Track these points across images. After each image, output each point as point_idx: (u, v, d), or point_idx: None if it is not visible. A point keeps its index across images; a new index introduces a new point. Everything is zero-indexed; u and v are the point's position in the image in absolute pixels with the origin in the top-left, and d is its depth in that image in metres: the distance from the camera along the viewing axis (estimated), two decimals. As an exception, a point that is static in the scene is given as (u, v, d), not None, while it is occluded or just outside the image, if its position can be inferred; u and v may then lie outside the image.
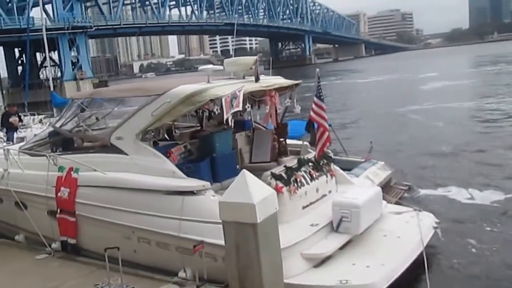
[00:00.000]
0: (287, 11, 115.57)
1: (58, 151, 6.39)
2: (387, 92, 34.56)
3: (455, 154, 12.64)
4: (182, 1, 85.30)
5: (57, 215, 5.91)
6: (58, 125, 6.47)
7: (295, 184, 5.46)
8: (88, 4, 69.74)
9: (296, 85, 6.37)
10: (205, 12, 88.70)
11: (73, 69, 59.54)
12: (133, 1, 78.26)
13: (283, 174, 5.45)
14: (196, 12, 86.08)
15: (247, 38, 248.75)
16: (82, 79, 57.24)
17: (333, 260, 5.03)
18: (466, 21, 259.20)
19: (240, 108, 5.12)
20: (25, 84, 35.16)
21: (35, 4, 61.44)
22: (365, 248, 5.33)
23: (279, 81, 6.21)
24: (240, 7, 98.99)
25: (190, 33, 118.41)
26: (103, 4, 68.41)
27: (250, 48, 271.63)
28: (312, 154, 6.22)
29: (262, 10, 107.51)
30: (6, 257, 6.25)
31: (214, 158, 5.72)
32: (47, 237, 6.15)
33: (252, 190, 3.68)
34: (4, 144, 8.56)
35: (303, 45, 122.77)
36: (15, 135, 8.29)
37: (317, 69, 5.54)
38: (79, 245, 5.89)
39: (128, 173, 5.46)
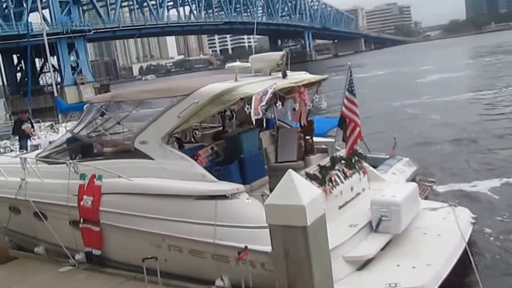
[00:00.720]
0: (286, 8, 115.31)
1: (77, 158, 6.16)
2: (389, 86, 34.28)
3: (471, 146, 12.49)
4: (180, 2, 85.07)
5: (80, 225, 5.68)
6: (76, 130, 6.23)
7: (330, 184, 5.24)
8: (85, 7, 69.56)
9: (323, 80, 6.15)
10: (203, 12, 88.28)
11: (73, 74, 59.30)
12: (131, 2, 78.03)
13: (318, 174, 5.22)
14: (195, 12, 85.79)
15: (245, 37, 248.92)
16: (82, 83, 57.04)
17: (376, 262, 4.80)
18: (463, 12, 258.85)
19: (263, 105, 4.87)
20: (28, 91, 34.92)
21: (33, 10, 61.45)
22: (407, 248, 5.10)
23: (307, 76, 5.98)
24: (238, 6, 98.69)
25: (189, 33, 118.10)
26: (101, 7, 68.13)
27: (249, 46, 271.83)
28: (342, 152, 6.00)
29: (260, 8, 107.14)
30: (27, 270, 6.04)
31: (243, 159, 5.50)
32: (70, 248, 5.93)
33: (301, 191, 3.46)
34: (17, 152, 8.36)
35: (303, 41, 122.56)
36: (29, 142, 8.01)
37: (349, 63, 5.30)
38: (105, 255, 5.66)
39: (155, 178, 5.24)
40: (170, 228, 4.98)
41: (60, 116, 18.57)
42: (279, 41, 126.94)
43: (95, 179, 5.58)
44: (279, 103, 5.96)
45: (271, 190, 4.86)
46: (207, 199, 4.82)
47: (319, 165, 5.37)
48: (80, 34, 58.81)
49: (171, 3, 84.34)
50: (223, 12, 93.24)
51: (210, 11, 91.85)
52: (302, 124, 6.36)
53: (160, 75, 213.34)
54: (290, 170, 3.72)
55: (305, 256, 3.42)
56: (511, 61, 39.86)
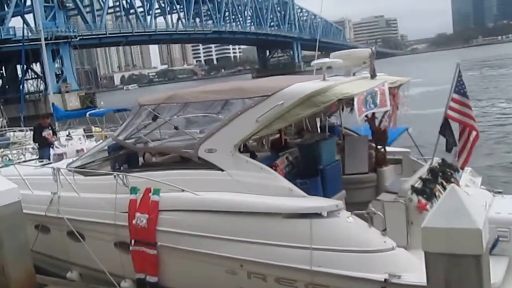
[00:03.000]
0: (275, 18, 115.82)
1: (122, 168, 5.44)
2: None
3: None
4: (168, 9, 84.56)
5: (131, 247, 4.92)
6: (121, 137, 5.47)
7: (435, 199, 4.61)
8: (70, 13, 68.38)
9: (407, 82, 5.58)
10: (191, 21, 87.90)
11: (57, 82, 57.84)
12: (117, 9, 77.17)
13: (425, 188, 4.60)
14: (183, 20, 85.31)
15: (231, 47, 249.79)
16: (67, 91, 55.63)
17: None
18: (449, 26, 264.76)
19: (388, 107, 4.29)
20: (21, 97, 33.81)
21: (15, 14, 60.10)
22: None
23: (394, 78, 5.39)
24: (227, 15, 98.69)
25: (177, 42, 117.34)
26: (87, 13, 67.07)
27: (234, 57, 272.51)
28: (427, 164, 5.40)
29: (249, 18, 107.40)
30: (60, 300, 5.27)
31: (323, 170, 4.87)
32: (113, 274, 5.17)
33: (473, 210, 2.83)
34: (35, 162, 7.55)
35: (291, 52, 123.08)
36: (51, 151, 7.17)
37: (458, 61, 4.74)
38: (163, 283, 4.90)
39: (226, 193, 4.55)
40: (251, 252, 4.27)
41: (57, 123, 17.71)
42: (267, 52, 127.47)
43: (150, 194, 4.85)
44: (348, 108, 5.41)
45: (346, 205, 4.32)
46: (298, 217, 4.14)
47: (420, 178, 4.74)
48: (65, 40, 57.56)
49: (159, 10, 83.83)
50: (211, 21, 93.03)
51: (199, 19, 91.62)
52: (374, 131, 5.79)
53: (143, 85, 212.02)
54: (453, 185, 3.10)
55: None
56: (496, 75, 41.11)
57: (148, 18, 76.69)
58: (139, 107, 5.46)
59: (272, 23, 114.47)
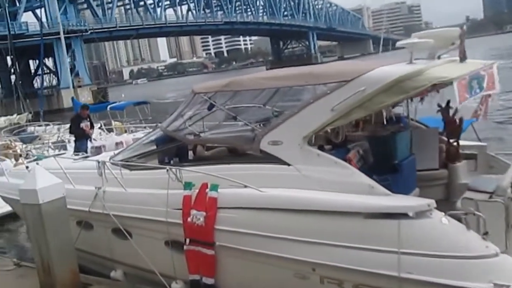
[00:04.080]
0: (288, 7, 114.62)
1: (172, 162, 5.19)
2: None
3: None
4: (178, 1, 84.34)
5: (185, 247, 4.69)
6: (171, 128, 5.22)
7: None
8: (79, 7, 68.63)
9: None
10: (202, 12, 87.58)
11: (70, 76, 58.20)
12: (127, 1, 77.18)
13: None
14: (194, 12, 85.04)
15: (241, 38, 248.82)
16: (79, 86, 55.88)
17: None
18: (480, 11, 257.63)
19: (497, 90, 3.92)
20: (40, 92, 33.95)
21: (27, 9, 60.48)
22: None
23: (481, 61, 4.95)
24: (239, 5, 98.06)
25: (188, 34, 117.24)
26: (97, 6, 67.19)
27: (245, 49, 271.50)
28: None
29: (261, 7, 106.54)
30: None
31: (400, 165, 4.55)
32: (163, 274, 4.95)
33: None
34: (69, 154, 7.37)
35: (307, 42, 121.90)
36: (89, 144, 6.95)
37: None
38: (219, 286, 4.66)
39: (294, 189, 4.26)
40: (326, 255, 3.96)
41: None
42: (281, 43, 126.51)
43: (207, 190, 4.60)
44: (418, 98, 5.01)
45: None
46: (383, 217, 3.82)
47: None
48: (77, 34, 57.78)
49: (168, 2, 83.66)
50: (222, 12, 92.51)
51: (209, 10, 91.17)
52: (447, 123, 5.40)
53: (152, 79, 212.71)
54: None
55: None
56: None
57: (158, 10, 76.50)
58: (192, 95, 5.19)
59: (285, 12, 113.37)
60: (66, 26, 56.52)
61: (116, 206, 5.19)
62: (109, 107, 14.80)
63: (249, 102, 5.00)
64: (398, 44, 4.48)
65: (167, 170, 4.74)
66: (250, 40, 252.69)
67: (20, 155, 9.50)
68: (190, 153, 5.54)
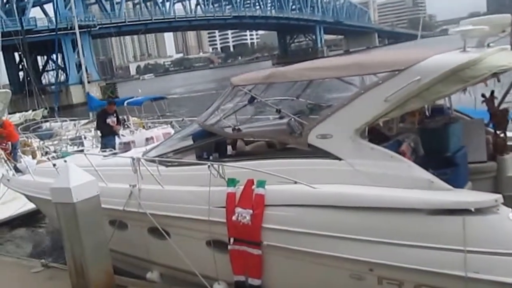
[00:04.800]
0: (296, 1, 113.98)
1: (211, 157, 4.97)
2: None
3: None
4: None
5: (229, 247, 4.47)
6: (209, 122, 4.99)
7: None
8: (87, 1, 68.51)
9: None
10: (210, 6, 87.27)
11: (78, 72, 58.08)
12: (135, -5, 77.09)
13: None
14: (202, 6, 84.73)
15: (248, 33, 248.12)
16: (88, 82, 55.65)
17: None
18: (483, 4, 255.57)
19: None
20: (56, 88, 33.93)
21: (35, 4, 60.40)
22: None
23: None
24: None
25: (197, 28, 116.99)
26: (106, 0, 67.01)
27: (251, 43, 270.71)
28: None
29: (269, 1, 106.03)
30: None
31: (453, 158, 4.31)
32: (204, 275, 4.74)
33: None
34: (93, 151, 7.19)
35: (313, 36, 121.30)
36: (117, 140, 6.73)
37: None
38: (266, 286, 4.44)
39: (348, 185, 4.03)
40: (384, 254, 3.74)
41: (91, 114, 17.46)
42: (288, 37, 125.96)
43: (253, 186, 4.37)
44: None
45: None
46: (447, 214, 3.59)
47: None
48: (85, 29, 57.61)
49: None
50: (231, 6, 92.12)
51: (217, 5, 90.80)
52: (492, 113, 5.15)
53: (158, 74, 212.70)
54: None
55: None
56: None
57: (167, 4, 76.24)
58: (231, 88, 4.95)
59: (293, 6, 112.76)
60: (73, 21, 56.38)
61: (153, 204, 4.98)
62: (126, 102, 14.60)
63: (294, 94, 4.75)
64: (451, 31, 4.22)
65: (209, 166, 4.51)
66: (256, 34, 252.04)
67: (45, 154, 9.30)
68: (229, 148, 5.31)
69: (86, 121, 16.05)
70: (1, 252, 7.50)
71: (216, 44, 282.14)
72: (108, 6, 68.42)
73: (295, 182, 4.18)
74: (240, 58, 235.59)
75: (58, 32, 50.17)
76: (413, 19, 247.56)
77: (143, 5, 76.63)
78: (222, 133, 4.93)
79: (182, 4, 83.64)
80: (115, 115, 8.76)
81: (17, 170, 7.73)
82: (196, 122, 5.22)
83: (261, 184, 4.32)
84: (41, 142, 12.89)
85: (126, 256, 5.61)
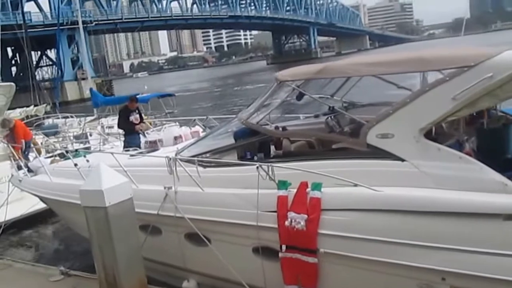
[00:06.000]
0: (291, 3, 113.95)
1: (256, 158, 4.60)
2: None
3: None
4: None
5: (281, 254, 4.12)
6: (253, 120, 4.61)
7: None
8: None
9: None
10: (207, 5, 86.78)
11: (73, 68, 57.28)
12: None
13: None
14: (198, 5, 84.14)
15: (242, 33, 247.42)
16: (83, 79, 54.96)
17: None
18: (466, 10, 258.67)
19: None
20: (56, 83, 33.19)
21: (29, -1, 59.37)
22: None
23: None
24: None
25: (193, 27, 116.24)
26: (102, -4, 66.17)
27: (245, 43, 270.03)
28: None
29: (265, 2, 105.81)
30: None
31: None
32: (250, 285, 4.38)
33: None
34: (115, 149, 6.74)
35: (307, 37, 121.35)
36: (142, 139, 6.27)
37: None
38: (323, 298, 4.11)
39: (413, 188, 3.71)
40: (458, 262, 3.44)
41: (95, 110, 16.96)
42: (283, 37, 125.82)
43: (308, 189, 4.02)
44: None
45: None
46: None
47: None
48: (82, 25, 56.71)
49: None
50: (227, 6, 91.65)
51: (213, 4, 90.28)
52: None
53: (152, 72, 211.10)
54: None
55: None
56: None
57: (164, 3, 75.51)
58: (277, 83, 4.59)
59: (288, 7, 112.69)
60: (70, 17, 55.56)
61: (191, 208, 4.60)
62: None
63: (345, 90, 4.41)
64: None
65: (257, 168, 4.15)
66: (250, 34, 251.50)
67: (50, 152, 8.79)
68: (272, 148, 4.94)
69: (92, 117, 15.56)
70: (13, 258, 7.00)
71: (210, 43, 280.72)
72: (103, 3, 67.48)
73: (355, 185, 3.85)
74: (234, 57, 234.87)
75: (56, 28, 49.48)
76: (401, 23, 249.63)
77: (139, 2, 75.83)
78: (268, 132, 4.57)
79: (178, 3, 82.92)
80: (137, 112, 8.32)
81: (29, 170, 7.27)
82: (237, 119, 4.84)
83: (317, 186, 3.98)
84: (46, 139, 12.35)
85: (159, 263, 5.20)
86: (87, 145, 11.01)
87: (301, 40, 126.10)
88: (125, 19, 66.08)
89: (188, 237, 4.77)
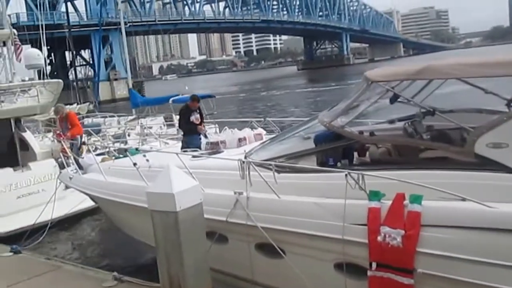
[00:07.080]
0: (324, 8, 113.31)
1: (340, 164, 4.26)
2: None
3: None
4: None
5: (370, 272, 3.75)
6: (338, 123, 4.28)
7: None
8: (118, -1, 68.79)
9: None
10: (239, 9, 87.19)
11: (106, 69, 58.21)
12: (165, -5, 77.24)
13: None
14: (231, 9, 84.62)
15: (271, 37, 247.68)
16: (116, 79, 55.89)
17: None
18: (506, 18, 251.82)
19: None
20: (95, 83, 33.71)
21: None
22: None
23: None
24: (275, 4, 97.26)
25: (225, 31, 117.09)
26: (136, -1, 67.25)
27: (275, 48, 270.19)
28: None
29: (297, 7, 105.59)
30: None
31: None
32: None
33: None
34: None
35: (340, 43, 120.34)
36: (203, 140, 6.03)
37: None
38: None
39: None
40: None
41: (134, 111, 16.95)
42: (315, 43, 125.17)
43: (405, 201, 3.65)
44: None
45: None
46: None
47: None
48: (115, 26, 57.73)
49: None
50: (259, 10, 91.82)
51: (245, 8, 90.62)
52: None
53: (182, 75, 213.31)
54: None
55: None
56: None
57: (197, 6, 76.21)
58: (367, 84, 4.24)
59: (320, 13, 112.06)
60: (104, 18, 56.68)
61: (265, 216, 4.28)
62: (171, 100, 13.99)
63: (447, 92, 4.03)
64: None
65: (346, 175, 3.81)
66: (280, 39, 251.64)
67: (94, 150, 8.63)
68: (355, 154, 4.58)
69: (131, 117, 15.53)
70: (62, 260, 6.83)
71: (239, 47, 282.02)
72: (137, 4, 68.53)
73: (463, 199, 3.45)
74: (263, 62, 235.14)
75: (90, 28, 50.51)
76: (436, 31, 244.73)
77: (172, 5, 76.73)
78: (357, 137, 4.21)
79: (211, 6, 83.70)
80: (198, 111, 8.08)
81: (79, 167, 7.10)
82: (319, 122, 4.50)
83: (417, 199, 3.59)
84: (87, 138, 12.31)
85: (223, 274, 4.89)
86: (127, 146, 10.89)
87: (332, 46, 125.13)
88: (159, 21, 66.89)
89: (259, 247, 4.45)
